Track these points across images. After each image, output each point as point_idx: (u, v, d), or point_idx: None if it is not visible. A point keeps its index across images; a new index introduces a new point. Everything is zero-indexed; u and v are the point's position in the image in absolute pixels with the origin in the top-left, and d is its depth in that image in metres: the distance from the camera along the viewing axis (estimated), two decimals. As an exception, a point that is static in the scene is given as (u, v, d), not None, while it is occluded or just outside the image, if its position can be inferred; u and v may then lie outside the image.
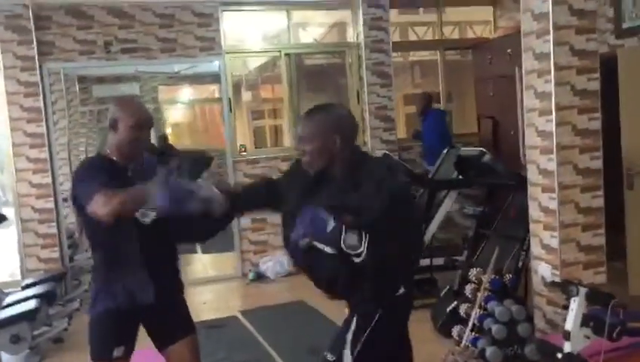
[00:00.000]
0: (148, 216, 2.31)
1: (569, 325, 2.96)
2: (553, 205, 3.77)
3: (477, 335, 3.74)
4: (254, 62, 7.61)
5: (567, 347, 2.95)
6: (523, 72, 3.98)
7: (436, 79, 7.53)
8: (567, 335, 2.96)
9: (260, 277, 6.30)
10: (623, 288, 4.50)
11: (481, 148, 4.27)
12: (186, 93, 9.13)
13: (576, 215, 3.76)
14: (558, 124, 3.69)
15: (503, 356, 3.61)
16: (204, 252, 7.57)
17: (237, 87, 8.68)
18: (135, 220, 2.29)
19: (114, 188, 2.14)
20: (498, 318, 3.63)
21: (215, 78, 8.82)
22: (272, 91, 8.63)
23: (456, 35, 8.07)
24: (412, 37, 8.37)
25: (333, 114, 2.30)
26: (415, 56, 8.74)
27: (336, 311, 5.01)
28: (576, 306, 2.95)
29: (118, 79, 8.36)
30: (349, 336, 2.26)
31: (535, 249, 3.97)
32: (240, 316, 5.09)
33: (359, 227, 2.06)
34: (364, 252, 2.05)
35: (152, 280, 2.33)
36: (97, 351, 2.34)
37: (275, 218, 6.44)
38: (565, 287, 3.04)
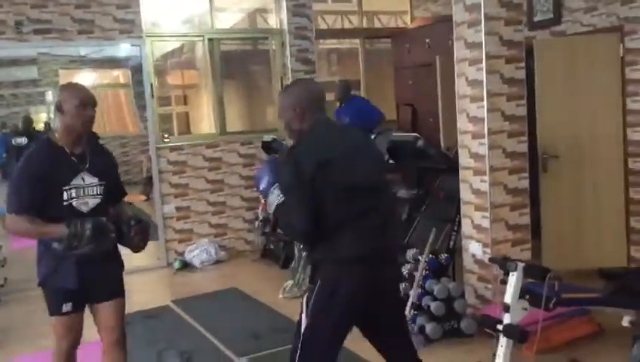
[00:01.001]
0: (87, 205, 2.63)
1: (508, 298, 3.14)
2: (484, 187, 3.98)
3: (415, 312, 3.90)
4: (163, 48, 7.40)
5: (507, 318, 3.13)
6: (455, 60, 4.15)
7: (352, 67, 7.68)
8: (506, 308, 3.14)
9: (186, 266, 6.20)
10: (538, 262, 4.83)
11: (415, 134, 4.43)
12: (89, 77, 8.72)
13: (504, 196, 4.00)
14: (489, 110, 3.91)
15: (442, 331, 3.79)
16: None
17: (139, 71, 8.42)
18: (74, 208, 2.59)
19: (31, 209, 2.53)
20: (437, 296, 3.81)
21: (121, 62, 8.59)
22: (181, 77, 8.46)
23: (373, 25, 8.25)
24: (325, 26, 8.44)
25: (293, 89, 2.56)
26: (328, 44, 8.82)
27: (271, 296, 5.10)
28: (514, 280, 3.13)
29: (14, 62, 7.89)
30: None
31: (466, 229, 4.19)
32: (173, 305, 4.99)
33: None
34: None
35: (98, 259, 2.59)
36: (50, 308, 2.69)
37: (200, 206, 6.42)
38: (503, 263, 3.22)
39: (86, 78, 8.56)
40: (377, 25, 8.34)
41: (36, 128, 8.27)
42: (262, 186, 2.49)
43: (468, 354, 3.64)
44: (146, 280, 5.91)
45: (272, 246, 6.22)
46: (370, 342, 2.57)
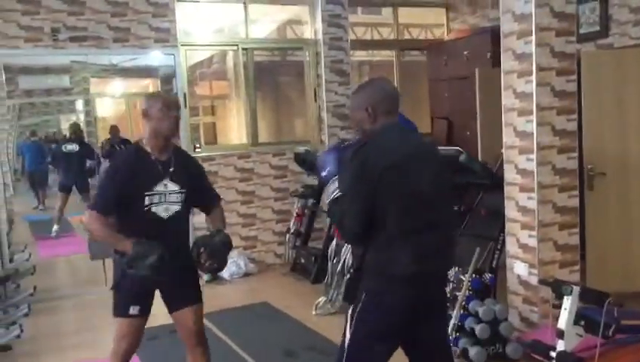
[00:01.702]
0: (167, 211, 2.68)
1: (562, 323, 2.98)
2: (532, 204, 3.81)
3: (457, 334, 3.73)
4: (191, 59, 7.37)
5: (561, 345, 2.97)
6: (502, 72, 4.00)
7: (388, 78, 7.54)
8: (560, 334, 2.98)
9: (215, 278, 6.08)
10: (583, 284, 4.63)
11: (457, 148, 4.27)
12: (120, 86, 8.72)
13: (553, 214, 3.83)
14: (538, 124, 3.75)
15: (486, 355, 3.61)
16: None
17: (168, 81, 8.41)
18: (154, 214, 2.66)
19: (107, 212, 2.63)
20: (482, 318, 3.63)
21: (151, 71, 8.56)
22: (209, 88, 8.42)
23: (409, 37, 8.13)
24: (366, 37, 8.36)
25: (367, 88, 2.47)
26: (358, 56, 8.70)
27: (303, 312, 4.95)
28: (569, 305, 2.97)
29: (46, 70, 7.90)
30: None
31: (511, 248, 4.01)
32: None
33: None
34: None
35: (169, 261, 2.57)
36: (117, 309, 2.73)
37: (230, 217, 6.32)
38: (557, 286, 3.06)
39: (116, 86, 8.58)
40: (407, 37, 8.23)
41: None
42: (323, 173, 2.44)
43: (515, 381, 3.46)
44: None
45: (302, 261, 6.09)
46: None
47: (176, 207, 2.71)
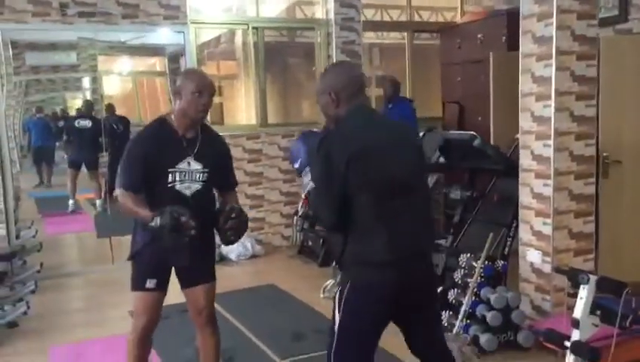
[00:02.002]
0: (190, 189, 2.67)
1: (578, 313, 2.91)
2: (547, 192, 3.74)
3: (468, 321, 3.68)
4: (199, 38, 7.28)
5: (576, 335, 2.90)
6: (520, 55, 3.90)
7: (395, 62, 7.44)
8: (575, 323, 2.91)
9: (222, 259, 6.04)
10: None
11: (471, 132, 4.20)
12: (127, 64, 8.63)
13: (569, 202, 3.76)
14: (556, 110, 3.66)
15: (497, 343, 3.57)
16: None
17: (176, 60, 8.28)
18: (178, 192, 2.64)
19: (131, 187, 2.62)
20: (494, 305, 3.58)
21: (159, 50, 8.46)
22: (217, 68, 8.33)
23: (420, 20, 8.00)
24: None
25: (330, 71, 2.40)
26: (367, 38, 8.58)
27: (310, 295, 4.92)
28: (585, 294, 2.90)
29: (54, 46, 7.81)
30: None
31: (524, 235, 3.95)
32: (210, 300, 4.84)
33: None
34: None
35: (189, 242, 2.54)
36: (134, 283, 2.71)
37: (239, 199, 6.24)
38: (573, 275, 2.99)
39: (124, 64, 8.49)
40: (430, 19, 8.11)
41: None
42: (296, 165, 2.41)
43: (526, 370, 3.42)
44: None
45: (310, 243, 6.04)
46: (407, 343, 2.46)
47: (198, 186, 2.69)
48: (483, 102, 6.07)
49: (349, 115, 2.27)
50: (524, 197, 3.92)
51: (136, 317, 2.77)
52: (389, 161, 2.21)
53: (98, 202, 7.18)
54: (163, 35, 6.21)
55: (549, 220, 3.73)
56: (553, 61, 3.62)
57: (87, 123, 6.94)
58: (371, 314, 2.26)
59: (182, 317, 4.37)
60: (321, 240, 5.84)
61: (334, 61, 6.44)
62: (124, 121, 7.17)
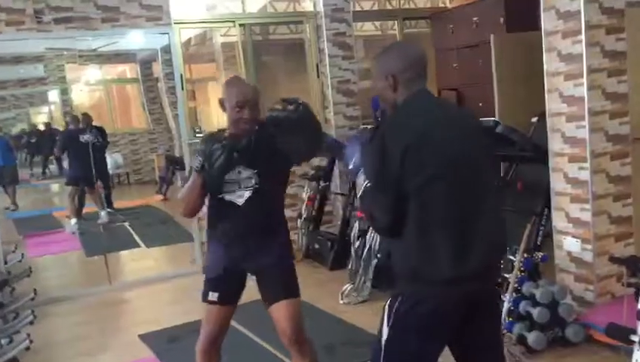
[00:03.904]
0: (242, 198, 2.56)
1: (644, 304, 2.70)
2: (584, 176, 3.53)
3: (511, 319, 3.45)
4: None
5: (643, 328, 2.69)
6: (542, 33, 3.68)
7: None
8: (641, 316, 2.70)
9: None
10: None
11: (494, 118, 3.97)
12: (96, 72, 8.26)
13: (607, 185, 3.56)
14: (589, 88, 3.45)
15: (546, 341, 3.34)
16: (148, 246, 6.90)
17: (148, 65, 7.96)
18: (230, 203, 2.56)
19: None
20: (540, 300, 3.35)
21: (130, 56, 8.13)
22: (189, 72, 8.03)
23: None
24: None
25: (387, 54, 2.10)
26: (360, 31, 8.34)
27: (329, 302, 4.64)
28: (651, 283, 2.70)
29: (19, 59, 7.43)
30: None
31: (559, 223, 3.74)
32: (222, 316, 4.53)
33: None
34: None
35: (253, 250, 2.58)
36: (202, 294, 2.70)
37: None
38: (634, 263, 2.78)
39: (94, 73, 8.12)
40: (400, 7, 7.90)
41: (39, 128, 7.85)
42: (351, 165, 2.13)
43: (583, 367, 3.20)
44: (184, 287, 5.44)
45: (317, 246, 5.76)
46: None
47: (249, 193, 2.56)
48: (483, 87, 5.85)
49: (408, 101, 2.00)
50: (557, 183, 3.70)
51: (203, 327, 2.75)
52: (451, 152, 1.91)
53: (103, 214, 6.80)
54: (138, 39, 5.87)
55: (587, 205, 3.52)
56: (583, 36, 3.40)
57: (92, 137, 6.55)
58: (424, 337, 1.95)
59: (194, 337, 4.08)
60: (329, 243, 5.57)
61: (327, 55, 6.18)
62: (101, 131, 6.79)
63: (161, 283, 5.61)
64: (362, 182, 2.03)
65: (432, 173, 1.88)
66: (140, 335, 4.27)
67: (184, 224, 6.41)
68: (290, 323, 2.59)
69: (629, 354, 2.74)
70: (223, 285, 2.67)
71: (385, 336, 1.98)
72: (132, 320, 4.80)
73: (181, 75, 5.73)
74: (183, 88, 5.77)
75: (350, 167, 2.10)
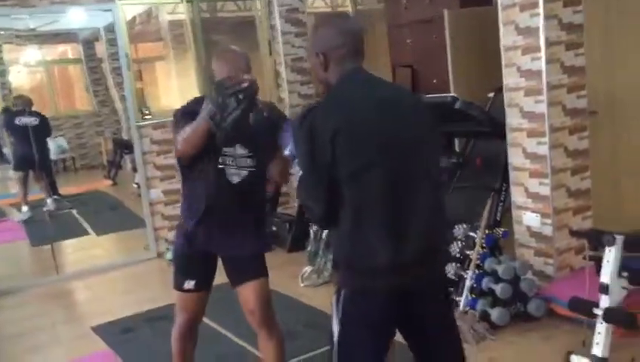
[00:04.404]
0: (239, 176, 2.45)
1: (606, 277, 2.70)
2: (542, 150, 3.52)
3: (473, 296, 3.43)
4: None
5: (605, 301, 2.70)
6: (499, 6, 3.63)
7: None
8: (604, 289, 2.71)
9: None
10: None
11: (451, 94, 3.92)
12: (36, 53, 7.87)
13: (565, 159, 3.56)
14: (547, 62, 3.42)
15: (509, 316, 3.34)
16: (98, 234, 6.66)
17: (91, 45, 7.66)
18: (225, 179, 2.43)
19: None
20: (502, 276, 3.34)
21: (71, 35, 7.78)
22: (135, 51, 7.76)
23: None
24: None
25: (320, 29, 1.94)
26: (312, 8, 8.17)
27: (289, 286, 4.54)
28: (612, 256, 2.70)
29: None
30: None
31: (518, 198, 3.73)
32: (179, 303, 4.38)
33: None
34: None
35: (234, 231, 2.49)
36: (174, 282, 2.61)
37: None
38: (596, 236, 2.78)
39: (32, 53, 7.72)
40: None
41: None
42: (287, 152, 2.08)
43: (547, 342, 3.20)
44: (137, 275, 5.27)
45: (274, 228, 5.65)
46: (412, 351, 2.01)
47: (245, 172, 2.46)
48: (437, 63, 5.80)
49: (340, 81, 1.84)
50: (516, 158, 3.68)
51: (178, 314, 2.68)
52: (385, 133, 1.78)
53: (49, 201, 6.47)
54: (79, 17, 5.57)
55: (546, 180, 3.52)
56: (541, 9, 3.37)
57: (31, 120, 6.18)
58: (370, 328, 1.86)
59: (150, 327, 3.94)
60: (287, 224, 5.48)
61: (279, 31, 6.02)
62: (42, 118, 6.41)
63: (113, 271, 5.41)
64: (297, 171, 1.89)
65: (364, 159, 1.75)
66: (92, 327, 4.08)
67: (135, 210, 6.20)
68: (259, 302, 2.52)
69: (591, 326, 2.77)
70: (198, 270, 2.57)
71: (335, 333, 1.88)
72: (84, 312, 4.61)
73: (127, 55, 5.48)
74: (129, 68, 5.51)
75: (286, 152, 1.96)
